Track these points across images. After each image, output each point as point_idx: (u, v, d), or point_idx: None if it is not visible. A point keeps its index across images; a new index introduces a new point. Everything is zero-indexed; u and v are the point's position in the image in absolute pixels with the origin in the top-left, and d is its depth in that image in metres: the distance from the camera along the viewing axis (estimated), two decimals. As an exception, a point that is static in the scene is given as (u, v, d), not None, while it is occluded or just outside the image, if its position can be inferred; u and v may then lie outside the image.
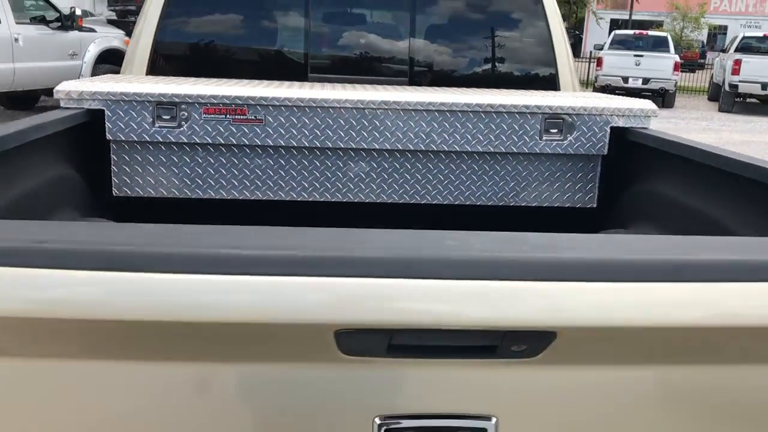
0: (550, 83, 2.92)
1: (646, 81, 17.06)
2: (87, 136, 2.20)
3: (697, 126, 14.06)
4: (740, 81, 16.49)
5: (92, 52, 11.10)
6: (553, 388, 1.02)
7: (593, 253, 0.99)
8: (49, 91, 11.77)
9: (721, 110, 17.14)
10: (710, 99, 19.09)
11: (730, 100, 17.15)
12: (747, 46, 17.81)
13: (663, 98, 16.90)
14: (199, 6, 2.91)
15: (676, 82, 17.65)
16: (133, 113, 2.23)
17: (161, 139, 2.24)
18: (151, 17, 2.77)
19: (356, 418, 1.00)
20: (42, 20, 10.42)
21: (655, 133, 2.34)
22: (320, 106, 2.26)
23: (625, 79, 17.15)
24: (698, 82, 22.47)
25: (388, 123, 2.28)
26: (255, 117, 2.27)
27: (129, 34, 13.93)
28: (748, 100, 18.06)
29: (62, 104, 2.20)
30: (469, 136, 2.31)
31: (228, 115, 2.25)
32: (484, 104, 2.31)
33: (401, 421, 1.00)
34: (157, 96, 2.22)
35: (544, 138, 2.35)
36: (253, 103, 2.25)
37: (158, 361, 0.97)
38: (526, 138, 2.34)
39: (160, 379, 0.97)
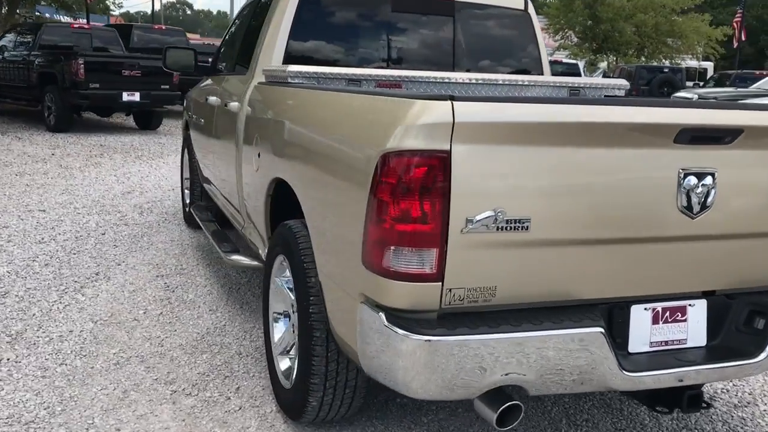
0: None
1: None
2: None
3: None
4: None
5: None
6: (742, 157, 2.30)
7: None
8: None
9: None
10: None
11: None
12: None
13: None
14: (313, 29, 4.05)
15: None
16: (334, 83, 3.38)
17: None
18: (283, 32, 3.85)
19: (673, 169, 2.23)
20: None
21: None
22: (428, 81, 3.54)
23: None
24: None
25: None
26: (407, 88, 3.50)
27: None
28: None
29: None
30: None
31: (391, 88, 3.46)
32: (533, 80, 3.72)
33: (691, 170, 2.23)
34: (350, 74, 3.37)
35: None
36: (406, 80, 3.48)
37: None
38: None
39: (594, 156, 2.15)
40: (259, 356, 3.66)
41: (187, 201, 6.35)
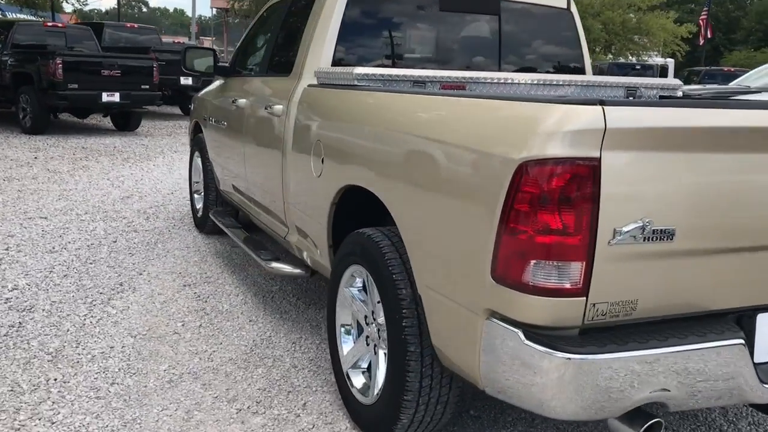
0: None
1: None
2: None
3: None
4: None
5: None
6: None
7: None
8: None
9: None
10: None
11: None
12: None
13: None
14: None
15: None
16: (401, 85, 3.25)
17: None
18: (332, 33, 3.71)
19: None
20: None
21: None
22: (491, 82, 3.43)
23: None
24: None
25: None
26: (469, 89, 3.39)
27: None
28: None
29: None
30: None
31: (454, 89, 3.35)
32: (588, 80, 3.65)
33: None
34: (416, 76, 3.25)
35: None
36: (470, 81, 3.37)
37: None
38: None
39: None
40: (316, 369, 3.52)
41: (198, 206, 6.15)
